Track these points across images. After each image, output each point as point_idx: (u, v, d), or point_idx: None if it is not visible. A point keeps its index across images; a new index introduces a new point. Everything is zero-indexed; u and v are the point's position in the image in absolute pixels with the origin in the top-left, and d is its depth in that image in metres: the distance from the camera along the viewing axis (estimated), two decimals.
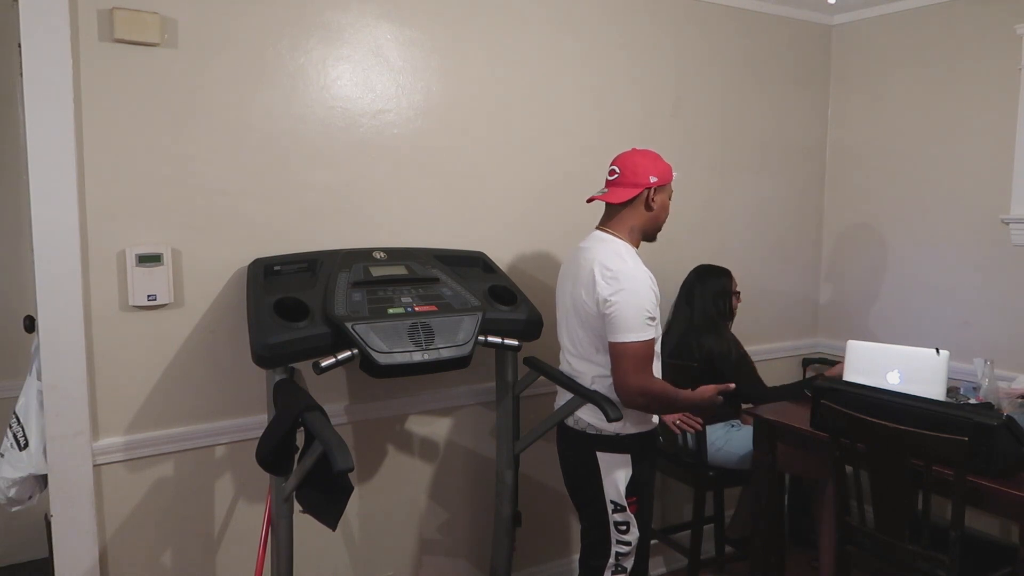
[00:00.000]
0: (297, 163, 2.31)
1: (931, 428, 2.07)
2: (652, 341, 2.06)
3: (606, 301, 2.04)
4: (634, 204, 2.16)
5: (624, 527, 2.16)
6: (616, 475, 2.15)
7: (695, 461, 2.82)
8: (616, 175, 2.18)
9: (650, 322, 2.05)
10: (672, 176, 2.21)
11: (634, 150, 2.23)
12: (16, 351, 2.87)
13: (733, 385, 2.25)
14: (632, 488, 2.15)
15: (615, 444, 2.15)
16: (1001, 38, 2.90)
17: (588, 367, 2.17)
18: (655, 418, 2.24)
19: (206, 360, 2.23)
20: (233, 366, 2.25)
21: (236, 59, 2.20)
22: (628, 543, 2.17)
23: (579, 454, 2.20)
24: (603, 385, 2.14)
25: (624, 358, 2.04)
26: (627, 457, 2.15)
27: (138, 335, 2.13)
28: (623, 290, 2.04)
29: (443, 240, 2.56)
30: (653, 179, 2.15)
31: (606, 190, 2.19)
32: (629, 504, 2.15)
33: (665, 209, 2.22)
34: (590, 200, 2.24)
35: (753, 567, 2.82)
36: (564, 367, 2.28)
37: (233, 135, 2.22)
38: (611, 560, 2.18)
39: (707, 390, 2.22)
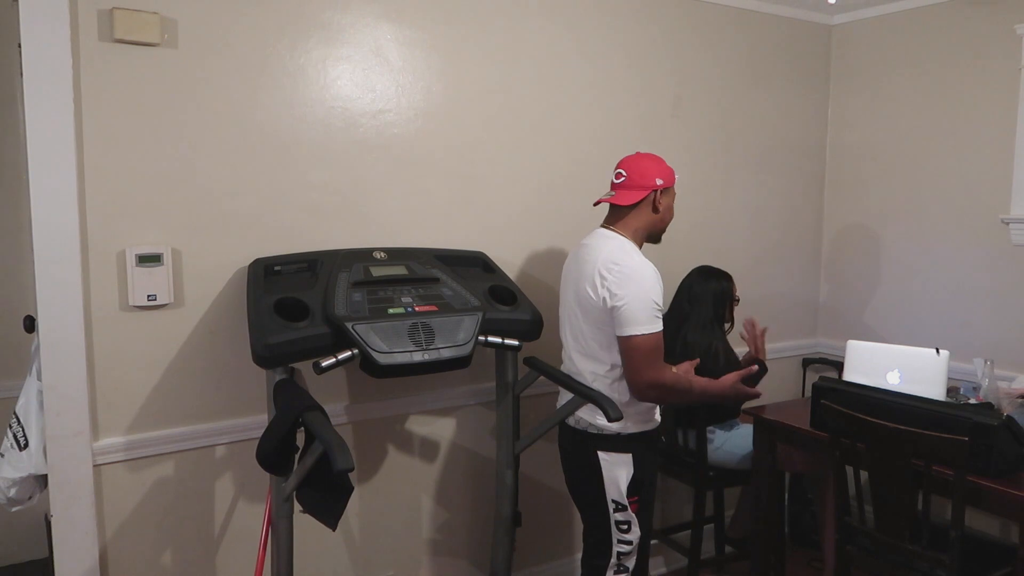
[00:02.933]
0: (297, 163, 2.31)
1: (931, 428, 2.07)
2: (660, 333, 2.08)
3: (613, 295, 2.05)
4: (641, 206, 2.19)
5: (625, 527, 2.17)
6: (617, 475, 2.15)
7: (695, 461, 2.82)
8: (623, 178, 2.20)
9: (657, 315, 2.07)
10: (675, 179, 2.24)
11: (639, 153, 2.25)
12: (16, 351, 2.87)
13: (756, 368, 2.32)
14: (633, 488, 2.16)
15: (616, 444, 2.15)
16: (1001, 38, 2.90)
17: (591, 364, 2.17)
18: (657, 417, 2.25)
19: (206, 360, 2.23)
20: (233, 366, 2.25)
21: (236, 59, 2.20)
22: (630, 542, 2.18)
23: (580, 454, 2.20)
24: (603, 384, 2.15)
25: (634, 352, 2.05)
26: (628, 457, 2.16)
27: (138, 335, 2.13)
28: (630, 284, 2.05)
29: (443, 240, 2.56)
30: (659, 181, 2.18)
31: (613, 193, 2.21)
32: (630, 503, 2.15)
33: (670, 211, 2.25)
34: (597, 203, 2.26)
35: (753, 567, 2.82)
36: (566, 365, 2.28)
37: (233, 135, 2.22)
38: (613, 560, 2.19)
39: (729, 378, 2.25)
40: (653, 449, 2.25)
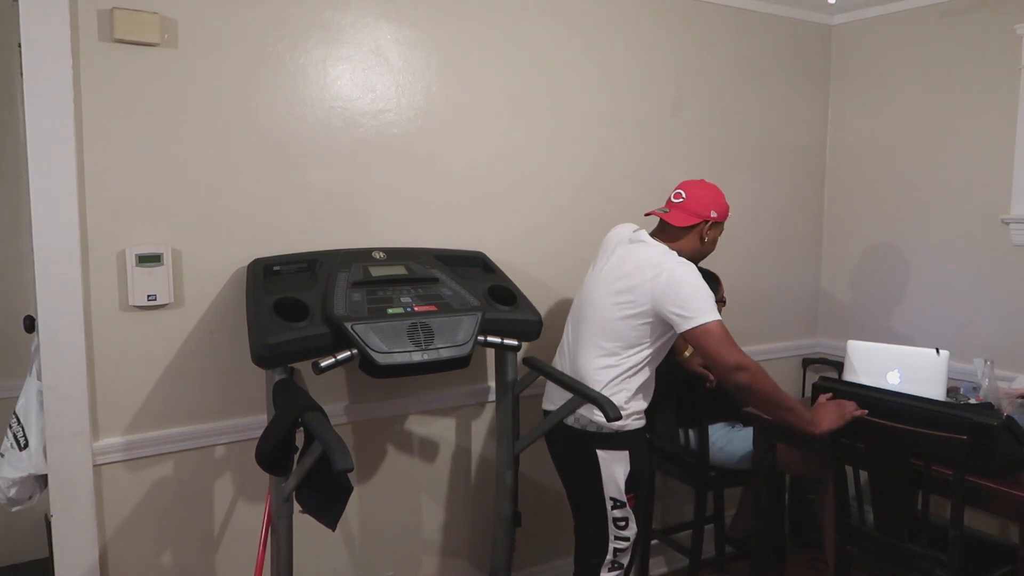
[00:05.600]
0: (297, 163, 2.31)
1: (931, 428, 2.07)
2: (722, 321, 2.10)
3: (670, 287, 2.08)
4: (691, 233, 2.24)
5: (623, 523, 2.17)
6: (615, 472, 2.16)
7: (696, 461, 2.82)
8: (682, 199, 2.24)
9: (715, 306, 2.11)
10: (728, 214, 2.28)
11: (702, 180, 2.30)
12: (16, 351, 2.87)
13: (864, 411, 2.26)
14: (631, 484, 2.17)
15: (615, 441, 2.16)
16: (1001, 38, 2.90)
17: (607, 360, 2.17)
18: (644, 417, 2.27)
19: (206, 360, 2.23)
20: (233, 366, 2.25)
21: (236, 59, 2.20)
22: (626, 539, 2.18)
23: (578, 452, 2.21)
24: (615, 380, 2.16)
25: (710, 338, 2.07)
26: (625, 454, 2.17)
27: (138, 335, 2.13)
28: (684, 278, 2.10)
29: (443, 240, 2.56)
30: (714, 214, 2.23)
31: (667, 210, 2.25)
32: (628, 500, 2.16)
33: (714, 244, 2.29)
34: (649, 214, 2.29)
35: (753, 567, 2.82)
36: (569, 358, 2.29)
37: (233, 135, 2.22)
38: (609, 556, 2.19)
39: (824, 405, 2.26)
40: (646, 444, 2.27)
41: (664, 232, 2.26)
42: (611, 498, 2.17)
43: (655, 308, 2.11)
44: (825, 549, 2.81)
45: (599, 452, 2.16)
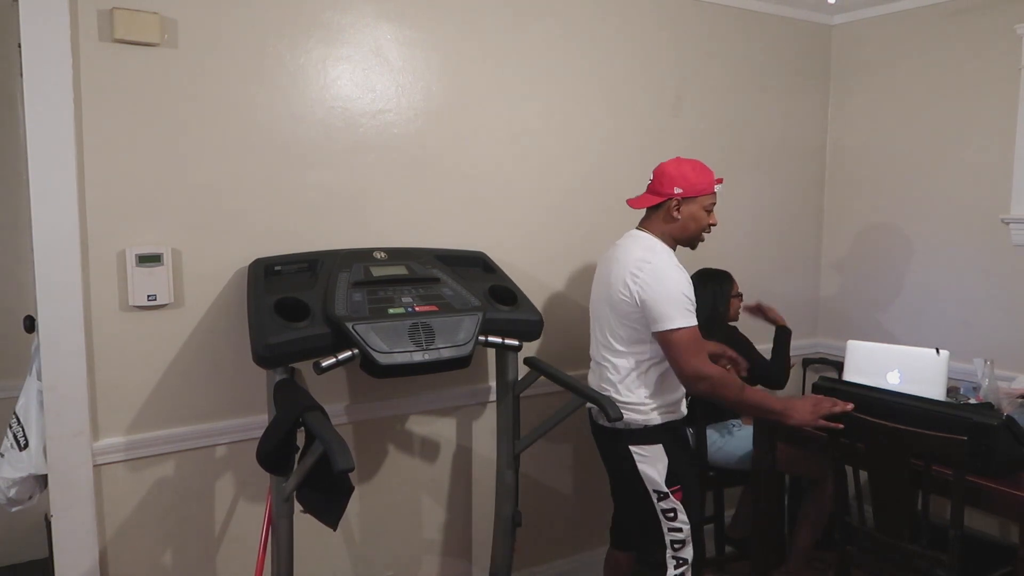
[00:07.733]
0: (297, 163, 2.31)
1: (931, 428, 2.07)
2: (696, 328, 2.10)
3: (645, 291, 2.08)
4: (659, 212, 2.22)
5: (672, 514, 2.18)
6: (653, 466, 2.17)
7: (696, 461, 2.82)
8: (650, 181, 2.25)
9: (690, 308, 2.10)
10: (709, 189, 2.21)
11: (676, 159, 2.26)
12: (16, 351, 2.87)
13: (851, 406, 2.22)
14: (672, 478, 2.17)
15: (646, 436, 2.18)
16: (1001, 38, 2.90)
17: (622, 360, 2.19)
18: (683, 408, 2.29)
19: (206, 360, 2.23)
20: (233, 366, 2.25)
21: (236, 59, 2.20)
22: (679, 530, 2.18)
23: (615, 451, 2.23)
24: (633, 377, 2.17)
25: (672, 346, 2.08)
26: (659, 448, 2.18)
27: (138, 335, 2.13)
28: (660, 281, 2.09)
29: (443, 240, 2.55)
30: (677, 190, 2.18)
31: (639, 195, 2.27)
32: (673, 492, 2.17)
33: (695, 220, 2.22)
34: (628, 201, 2.31)
35: (753, 567, 2.82)
36: (595, 362, 2.31)
37: (233, 135, 2.22)
38: (669, 552, 2.19)
39: (790, 399, 2.26)
40: (684, 438, 2.29)
41: (645, 217, 2.27)
42: (654, 491, 2.18)
43: (637, 306, 2.12)
44: (795, 546, 2.83)
45: (632, 448, 2.18)
